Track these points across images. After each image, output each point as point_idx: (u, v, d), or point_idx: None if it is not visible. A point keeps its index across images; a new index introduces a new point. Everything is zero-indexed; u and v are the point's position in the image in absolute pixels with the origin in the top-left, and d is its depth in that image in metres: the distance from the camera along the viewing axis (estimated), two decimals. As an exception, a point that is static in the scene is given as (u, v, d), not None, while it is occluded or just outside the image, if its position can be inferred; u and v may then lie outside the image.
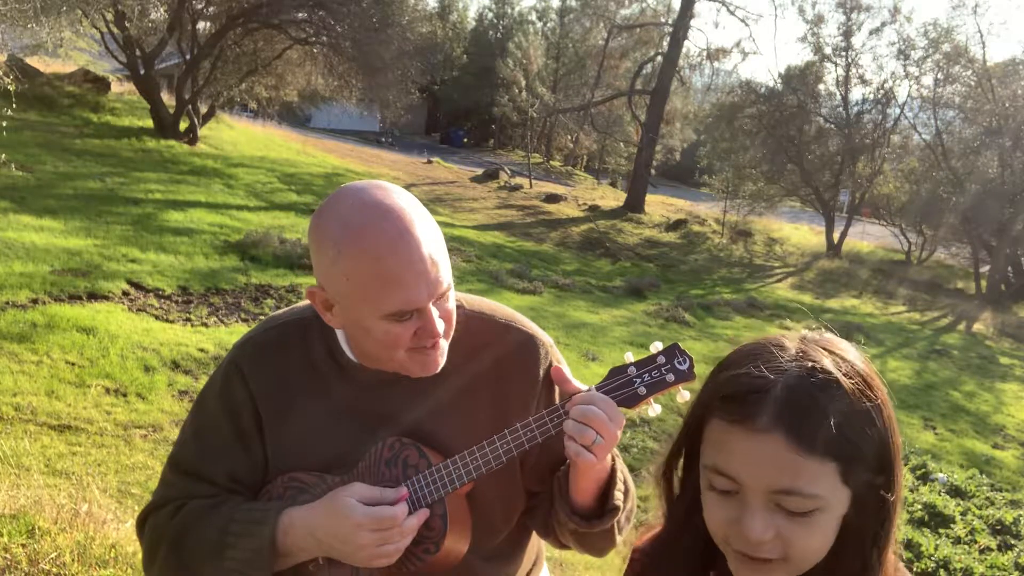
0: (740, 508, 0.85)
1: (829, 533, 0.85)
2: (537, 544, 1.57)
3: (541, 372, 1.42)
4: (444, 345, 1.32)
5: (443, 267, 1.25)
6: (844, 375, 0.83)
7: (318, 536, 1.27)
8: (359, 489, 1.28)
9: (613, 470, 1.32)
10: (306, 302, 1.45)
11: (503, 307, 1.48)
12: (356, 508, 1.25)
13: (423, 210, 1.27)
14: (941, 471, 7.29)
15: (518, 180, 26.93)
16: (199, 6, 17.65)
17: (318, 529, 1.27)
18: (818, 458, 0.81)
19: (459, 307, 1.42)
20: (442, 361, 1.32)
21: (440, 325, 1.26)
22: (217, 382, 1.40)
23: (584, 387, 1.30)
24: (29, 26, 12.31)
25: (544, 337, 1.47)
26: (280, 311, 1.48)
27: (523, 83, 30.56)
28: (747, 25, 68.58)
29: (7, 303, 6.38)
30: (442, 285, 1.24)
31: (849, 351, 0.88)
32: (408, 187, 22.86)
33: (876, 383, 0.87)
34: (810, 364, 0.84)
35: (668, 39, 28.08)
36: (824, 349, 0.87)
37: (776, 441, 0.81)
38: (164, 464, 1.44)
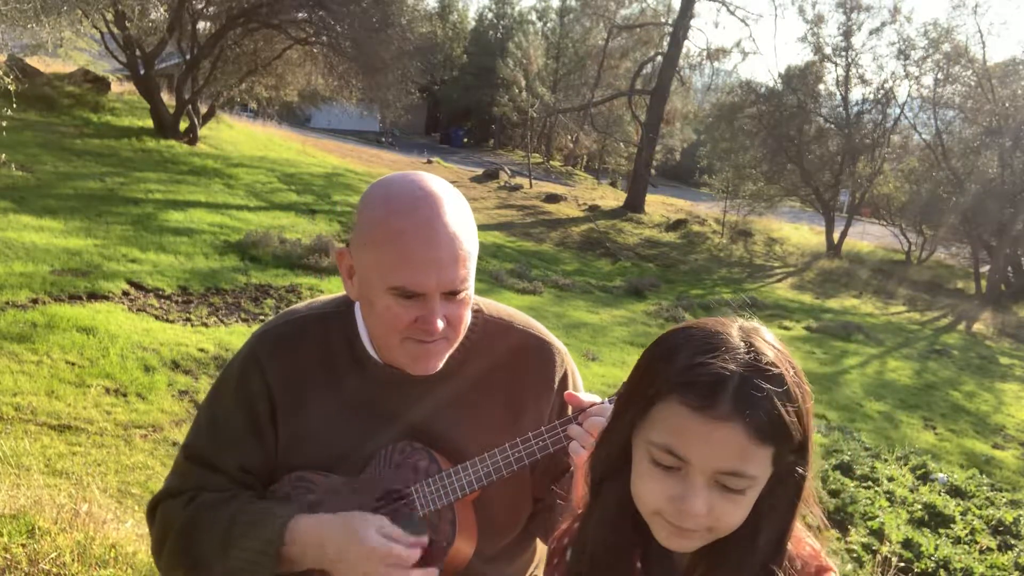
0: (682, 485, 0.91)
1: (749, 507, 0.94)
2: (540, 545, 1.57)
3: (556, 379, 1.43)
4: (444, 349, 1.32)
5: (463, 269, 1.25)
6: (785, 369, 0.92)
7: (323, 551, 1.27)
8: (379, 522, 1.28)
9: None
10: (326, 297, 1.48)
11: (521, 313, 1.50)
12: (373, 537, 1.25)
13: (467, 214, 1.29)
14: (941, 471, 7.29)
15: (518, 180, 26.91)
16: (199, 6, 17.63)
17: (328, 543, 1.27)
18: (763, 444, 0.89)
19: (477, 311, 1.43)
20: (438, 364, 1.32)
21: (441, 324, 1.26)
22: (234, 372, 1.41)
23: (598, 399, 1.31)
24: (29, 26, 12.30)
25: (560, 345, 1.48)
26: (299, 305, 1.49)
27: (523, 83, 30.56)
28: (747, 25, 68.71)
29: (7, 303, 6.38)
30: (456, 284, 1.25)
31: (780, 344, 0.96)
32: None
33: (802, 374, 0.95)
34: (762, 358, 0.91)
35: (668, 39, 28.06)
36: (764, 340, 0.94)
37: (734, 429, 0.88)
38: (178, 451, 1.45)
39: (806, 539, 1.01)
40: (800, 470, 0.94)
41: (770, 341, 0.95)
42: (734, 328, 0.95)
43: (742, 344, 0.92)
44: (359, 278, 1.30)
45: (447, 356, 1.33)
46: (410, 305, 1.25)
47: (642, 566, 1.02)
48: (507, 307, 1.50)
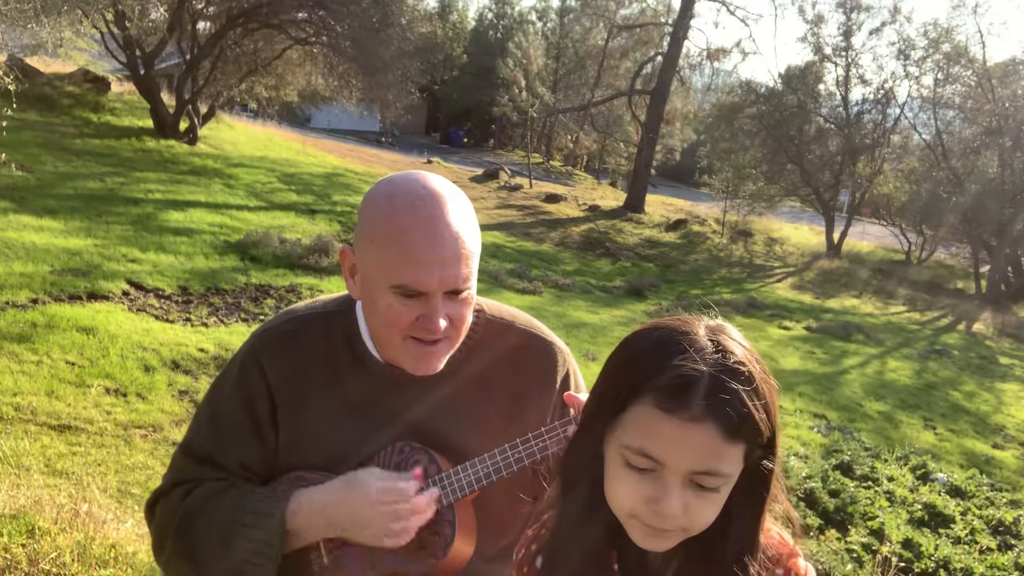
0: (657, 486, 0.92)
1: (722, 503, 0.95)
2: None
3: (558, 379, 1.43)
4: (445, 350, 1.32)
5: (465, 268, 1.26)
6: (752, 366, 0.93)
7: (328, 515, 1.28)
8: (375, 472, 1.30)
9: None
10: (326, 297, 1.48)
11: (523, 313, 1.50)
12: (371, 486, 1.27)
13: (470, 213, 1.30)
14: (941, 471, 7.29)
15: (518, 180, 26.91)
16: (199, 6, 17.63)
17: (329, 507, 1.28)
18: (735, 441, 0.91)
19: (479, 311, 1.43)
20: (439, 365, 1.32)
21: (443, 323, 1.26)
22: (234, 371, 1.41)
23: None
24: (29, 26, 12.29)
25: (562, 345, 1.48)
26: (299, 304, 1.49)
27: (523, 83, 30.52)
28: (747, 25, 68.81)
29: (7, 303, 6.38)
30: (458, 282, 1.25)
31: (745, 341, 0.97)
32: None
33: (768, 371, 0.96)
34: (730, 357, 0.92)
35: (668, 39, 28.06)
36: (731, 339, 0.95)
37: (707, 429, 0.89)
38: (176, 449, 1.44)
39: (772, 528, 1.03)
40: (769, 464, 0.96)
41: (736, 339, 0.96)
42: (700, 327, 0.95)
43: (709, 344, 0.93)
44: (361, 276, 1.30)
45: (448, 357, 1.33)
46: (412, 304, 1.25)
47: (618, 567, 1.02)
48: (509, 307, 1.50)
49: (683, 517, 0.92)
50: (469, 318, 1.33)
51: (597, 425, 0.98)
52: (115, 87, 19.93)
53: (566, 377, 1.45)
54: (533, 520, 1.14)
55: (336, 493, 1.28)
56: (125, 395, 5.27)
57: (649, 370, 0.92)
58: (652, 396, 0.91)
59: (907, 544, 5.45)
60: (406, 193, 1.25)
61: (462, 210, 1.27)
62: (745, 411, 0.90)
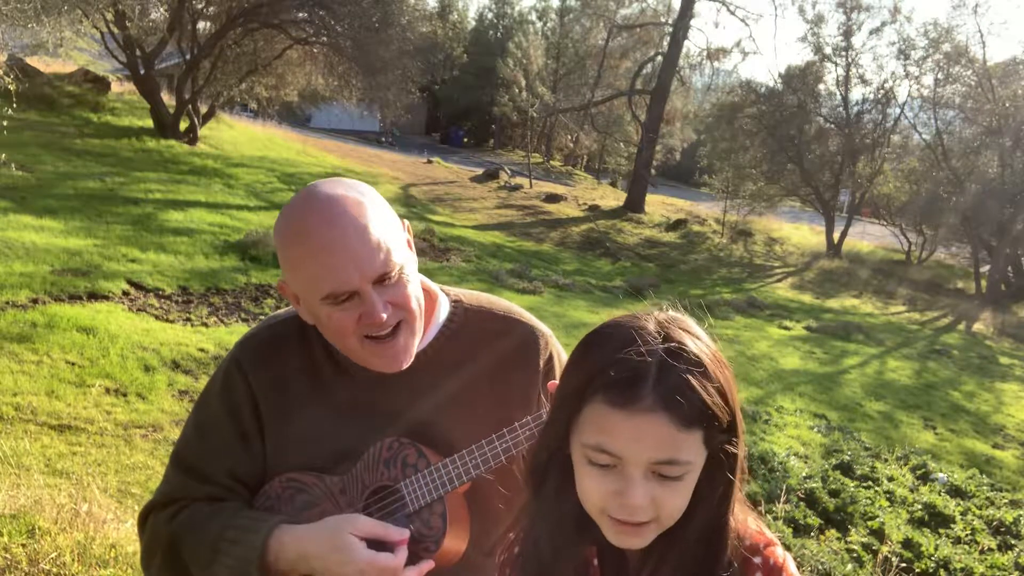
0: (621, 480, 0.92)
1: (690, 491, 0.95)
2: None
3: (542, 363, 1.43)
4: (408, 340, 1.30)
5: (380, 252, 1.24)
6: (703, 354, 0.93)
7: (312, 564, 1.25)
8: (363, 524, 1.25)
9: None
10: None
11: (501, 300, 1.49)
12: (358, 550, 1.22)
13: (372, 199, 1.28)
14: (941, 471, 7.29)
15: (518, 180, 26.92)
16: (199, 6, 17.64)
17: (314, 558, 1.25)
18: (691, 429, 0.91)
19: (457, 301, 1.44)
20: (407, 358, 1.31)
21: (385, 312, 1.24)
22: (219, 380, 1.41)
23: None
24: (29, 26, 12.30)
25: (543, 328, 1.47)
26: (282, 310, 1.49)
27: (523, 83, 30.51)
28: (747, 25, 68.84)
29: (7, 303, 6.38)
30: (378, 268, 1.24)
31: (699, 330, 0.97)
32: (408, 187, 22.83)
33: (722, 357, 0.97)
34: (676, 345, 0.92)
35: (668, 39, 28.08)
36: (681, 329, 0.95)
37: (659, 419, 0.89)
38: (169, 458, 1.45)
39: (750, 519, 1.03)
40: (731, 448, 0.96)
41: (688, 328, 0.96)
42: (651, 321, 0.96)
43: (658, 335, 0.93)
44: (301, 301, 1.31)
45: (415, 346, 1.33)
46: (349, 307, 1.25)
47: (598, 562, 1.03)
48: (488, 295, 1.50)
49: (651, 508, 0.92)
50: (417, 296, 1.31)
51: (559, 426, 0.99)
52: (115, 87, 19.95)
53: (549, 359, 1.44)
54: (515, 522, 1.14)
55: (321, 545, 1.25)
56: (125, 395, 5.27)
57: (598, 365, 0.93)
58: (603, 393, 0.91)
59: (907, 544, 5.45)
60: (299, 213, 1.25)
61: (361, 202, 1.26)
62: (696, 396, 0.90)
